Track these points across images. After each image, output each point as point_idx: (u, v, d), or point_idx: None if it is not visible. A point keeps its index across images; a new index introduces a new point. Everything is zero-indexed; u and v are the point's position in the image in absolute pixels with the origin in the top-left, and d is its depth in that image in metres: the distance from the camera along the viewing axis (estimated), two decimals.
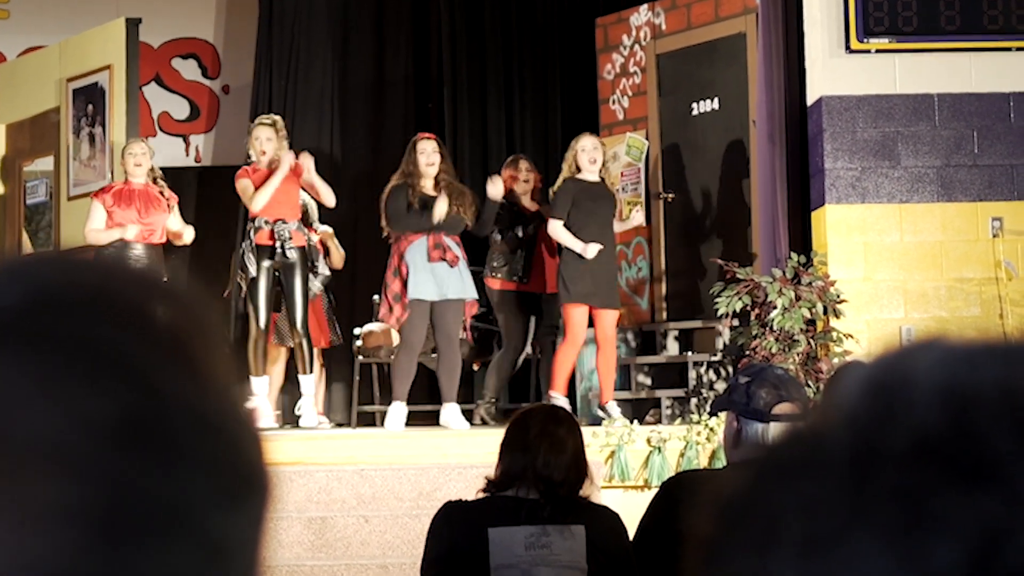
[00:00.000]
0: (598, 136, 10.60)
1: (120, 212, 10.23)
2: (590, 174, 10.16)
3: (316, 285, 10.64)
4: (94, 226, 10.22)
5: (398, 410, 10.17)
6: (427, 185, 10.28)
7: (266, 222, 10.15)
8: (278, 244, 10.10)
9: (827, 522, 0.66)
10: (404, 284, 10.14)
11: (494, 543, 4.71)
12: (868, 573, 0.65)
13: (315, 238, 10.55)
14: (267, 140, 10.35)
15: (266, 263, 10.13)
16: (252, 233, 10.19)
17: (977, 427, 0.65)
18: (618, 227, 10.43)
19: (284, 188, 10.26)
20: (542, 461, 4.73)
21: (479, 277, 10.81)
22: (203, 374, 0.70)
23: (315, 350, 10.60)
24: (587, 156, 10.15)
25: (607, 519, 4.91)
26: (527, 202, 10.69)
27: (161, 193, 10.36)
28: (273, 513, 0.72)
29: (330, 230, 11.06)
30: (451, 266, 10.11)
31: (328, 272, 10.77)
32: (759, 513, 0.69)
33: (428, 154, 10.31)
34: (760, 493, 0.70)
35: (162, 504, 0.66)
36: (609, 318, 10.15)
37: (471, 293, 10.29)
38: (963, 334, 0.70)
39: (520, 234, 10.56)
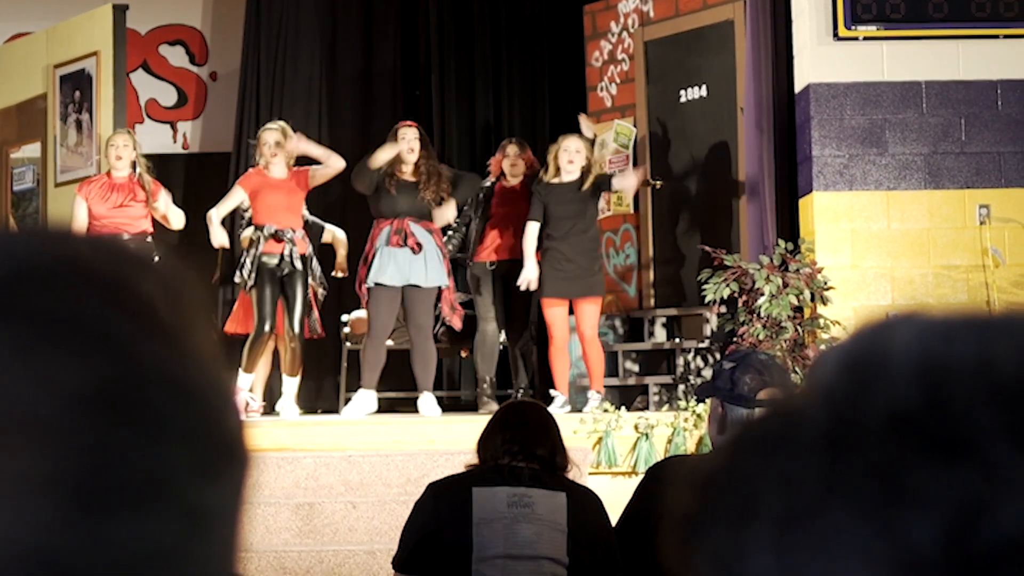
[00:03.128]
0: (581, 137, 10.55)
1: (96, 206, 10.23)
2: (567, 174, 10.20)
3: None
4: (75, 220, 10.23)
5: (363, 398, 10.19)
6: (406, 171, 10.30)
7: (275, 230, 10.19)
8: (286, 253, 10.13)
9: (804, 497, 0.66)
10: (369, 270, 10.20)
11: (477, 501, 4.88)
12: (845, 548, 0.65)
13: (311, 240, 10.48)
14: (276, 144, 10.38)
15: (270, 268, 10.15)
16: (260, 243, 10.20)
17: (954, 401, 0.65)
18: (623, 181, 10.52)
19: (288, 196, 10.29)
20: (524, 437, 4.90)
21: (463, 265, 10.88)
22: (183, 345, 0.70)
23: None
24: (566, 156, 10.20)
25: (589, 495, 5.08)
26: (514, 183, 10.67)
27: (142, 186, 10.31)
28: (252, 483, 0.72)
29: (343, 237, 11.09)
30: (413, 252, 10.12)
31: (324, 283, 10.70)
32: (737, 489, 0.69)
33: (408, 140, 10.32)
34: (738, 469, 0.70)
35: (141, 474, 0.65)
36: (588, 310, 10.16)
37: (439, 281, 10.27)
38: (940, 302, 0.70)
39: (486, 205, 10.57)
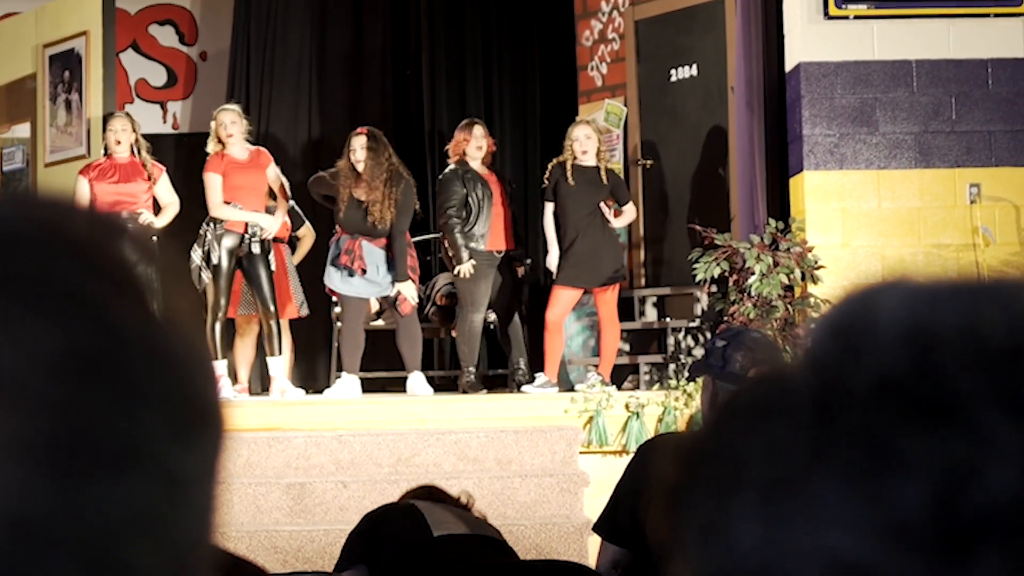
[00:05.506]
0: (590, 123, 10.54)
1: (98, 185, 10.25)
2: (583, 161, 10.22)
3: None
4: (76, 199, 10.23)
5: (346, 382, 10.25)
6: (360, 185, 10.29)
7: (237, 207, 10.22)
8: (247, 237, 10.14)
9: (790, 465, 0.65)
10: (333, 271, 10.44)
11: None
12: (832, 515, 0.64)
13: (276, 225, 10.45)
14: (231, 123, 10.37)
15: (228, 247, 10.16)
16: (219, 220, 10.23)
17: (940, 367, 0.65)
18: (617, 222, 10.42)
19: (251, 179, 10.31)
20: None
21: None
22: (159, 310, 0.70)
23: (284, 321, 10.67)
24: (579, 146, 10.22)
25: None
26: (479, 167, 10.58)
27: (144, 165, 10.34)
28: (228, 452, 0.71)
29: (311, 235, 11.21)
30: (359, 275, 10.28)
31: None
32: (722, 458, 0.68)
33: (356, 151, 10.31)
34: (723, 437, 0.69)
35: (116, 438, 0.65)
36: (609, 295, 10.24)
37: (381, 292, 10.43)
38: (928, 272, 0.69)
39: (458, 272, 10.48)
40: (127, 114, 10.72)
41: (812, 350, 0.69)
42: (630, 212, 10.51)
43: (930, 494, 0.63)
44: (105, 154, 10.50)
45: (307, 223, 11.27)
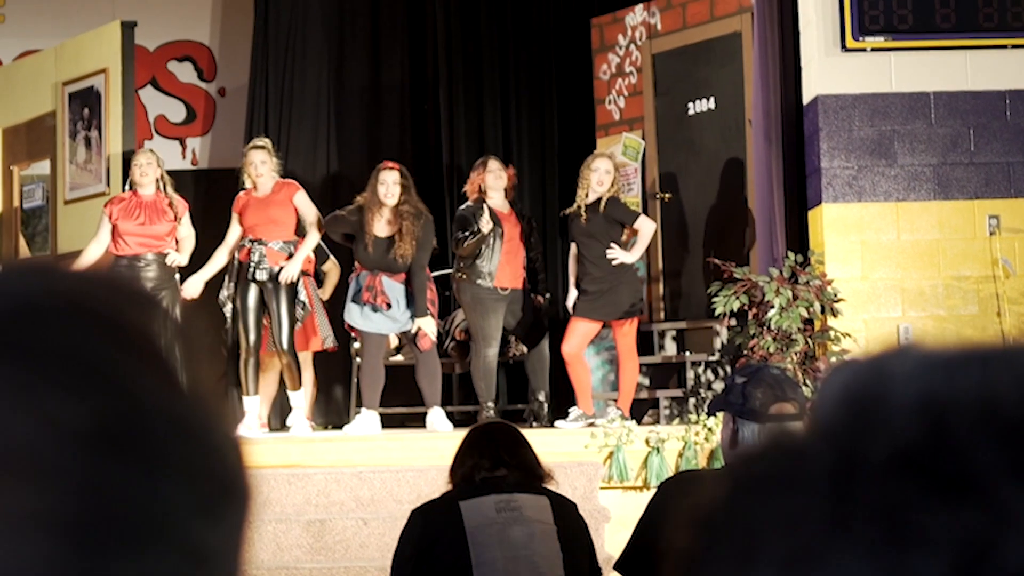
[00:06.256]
0: (610, 157, 10.54)
1: (123, 223, 10.26)
2: (595, 194, 10.23)
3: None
4: (97, 237, 10.28)
5: (366, 418, 10.24)
6: (383, 217, 10.29)
7: (249, 240, 10.25)
8: (251, 264, 10.16)
9: (808, 537, 0.65)
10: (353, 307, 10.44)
11: (466, 512, 5.04)
12: None
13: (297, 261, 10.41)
14: (261, 163, 10.43)
15: (247, 280, 10.20)
16: (238, 251, 10.30)
17: (956, 438, 0.65)
18: (636, 250, 10.36)
19: (276, 213, 10.35)
20: (496, 455, 5.10)
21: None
22: (183, 382, 0.70)
23: (308, 354, 10.68)
24: (596, 177, 10.23)
25: (568, 502, 5.27)
26: (500, 202, 10.57)
27: (170, 204, 10.37)
28: (254, 520, 0.71)
29: (337, 269, 11.19)
30: (385, 310, 10.26)
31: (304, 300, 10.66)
32: (739, 527, 0.68)
33: (388, 185, 10.33)
34: (740, 507, 0.69)
35: (140, 511, 0.65)
36: (625, 329, 10.22)
37: (400, 328, 10.43)
38: (959, 334, 0.69)
39: (477, 229, 10.42)
40: (151, 150, 10.74)
41: (826, 419, 0.68)
42: (645, 228, 10.39)
43: (949, 567, 0.63)
44: (130, 188, 10.52)
45: (332, 258, 11.26)
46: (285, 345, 10.20)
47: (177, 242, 10.38)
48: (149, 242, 10.24)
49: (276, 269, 10.20)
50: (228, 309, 10.35)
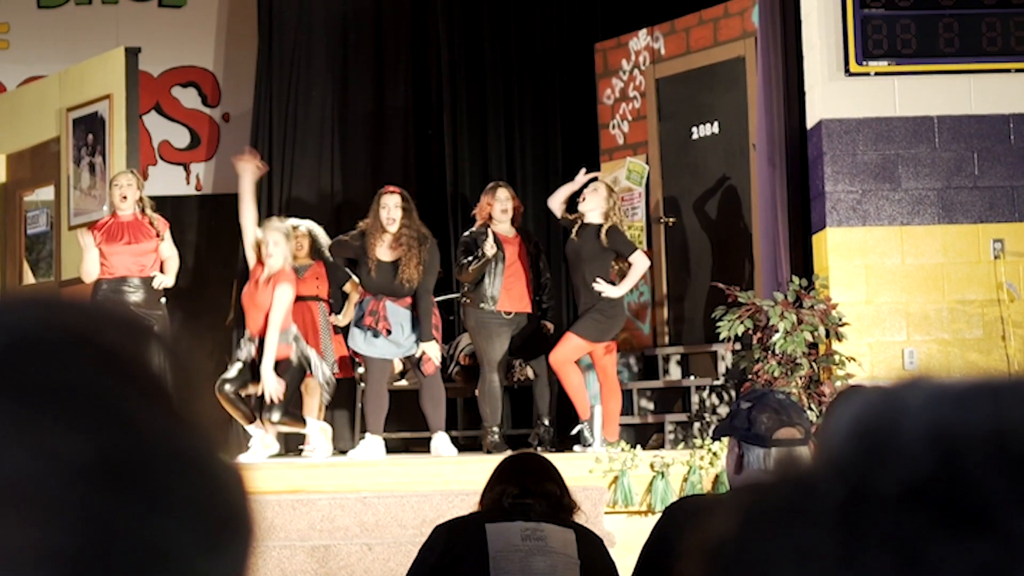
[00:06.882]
0: (598, 179, 10.58)
1: (108, 247, 10.21)
2: (585, 217, 10.25)
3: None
4: (88, 264, 10.22)
5: (370, 443, 10.20)
6: (385, 242, 10.27)
7: (247, 337, 10.15)
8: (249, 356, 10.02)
9: (819, 570, 0.65)
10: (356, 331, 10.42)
11: (491, 535, 5.00)
12: None
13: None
14: (274, 245, 10.06)
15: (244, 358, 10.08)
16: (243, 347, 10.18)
17: (967, 471, 0.64)
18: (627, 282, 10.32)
19: (262, 299, 10.03)
20: (525, 484, 5.09)
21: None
22: (184, 416, 0.70)
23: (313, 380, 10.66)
24: (582, 200, 10.30)
25: (594, 536, 5.27)
26: (506, 229, 10.58)
27: (151, 223, 10.32)
28: (257, 551, 0.71)
29: (359, 290, 10.97)
30: (386, 335, 10.28)
31: (329, 374, 10.55)
32: (751, 560, 0.68)
33: (389, 209, 10.30)
34: (752, 539, 0.69)
35: (142, 546, 0.65)
36: (606, 354, 10.21)
37: (404, 353, 10.41)
38: (964, 357, 0.69)
39: (482, 253, 10.40)
40: (132, 171, 10.65)
41: (837, 452, 0.68)
42: (640, 264, 10.31)
43: None
44: (109, 212, 10.47)
45: (353, 277, 11.07)
46: (276, 419, 9.95)
47: (162, 264, 10.32)
48: (137, 260, 10.19)
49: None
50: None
